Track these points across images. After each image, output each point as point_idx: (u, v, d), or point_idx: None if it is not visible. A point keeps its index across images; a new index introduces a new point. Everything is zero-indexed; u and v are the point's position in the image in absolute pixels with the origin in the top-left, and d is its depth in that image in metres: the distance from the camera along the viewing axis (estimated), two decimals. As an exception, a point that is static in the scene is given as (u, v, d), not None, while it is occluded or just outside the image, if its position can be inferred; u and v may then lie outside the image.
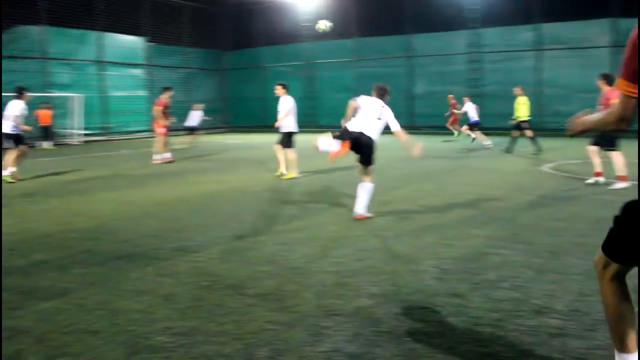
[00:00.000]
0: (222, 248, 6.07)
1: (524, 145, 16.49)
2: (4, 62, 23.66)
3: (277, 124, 11.88)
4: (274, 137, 12.73)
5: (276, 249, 5.98)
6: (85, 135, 25.74)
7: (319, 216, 7.70)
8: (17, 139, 11.99)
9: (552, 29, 24.77)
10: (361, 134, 7.35)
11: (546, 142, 18.82)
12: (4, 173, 11.78)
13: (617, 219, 2.48)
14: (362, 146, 7.40)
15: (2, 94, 22.08)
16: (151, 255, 5.82)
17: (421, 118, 28.03)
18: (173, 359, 3.42)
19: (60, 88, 25.64)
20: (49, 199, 9.71)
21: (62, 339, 3.73)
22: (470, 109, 19.88)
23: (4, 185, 11.45)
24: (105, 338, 3.74)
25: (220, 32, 34.87)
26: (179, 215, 8.04)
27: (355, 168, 10.25)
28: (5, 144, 11.84)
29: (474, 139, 19.58)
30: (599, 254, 2.62)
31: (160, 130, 15.66)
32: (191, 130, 21.93)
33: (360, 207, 7.47)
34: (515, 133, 16.56)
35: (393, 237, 6.40)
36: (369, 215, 7.49)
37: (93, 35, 27.23)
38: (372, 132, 7.46)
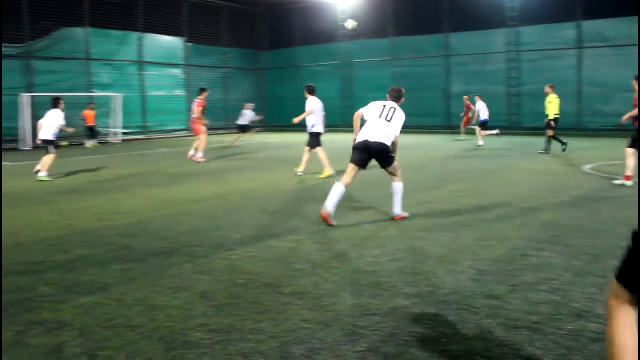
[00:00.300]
0: (258, 246, 6.12)
1: (555, 145, 16.13)
2: (50, 64, 24.37)
3: (295, 121, 12.49)
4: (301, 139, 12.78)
5: (312, 248, 5.99)
6: (125, 134, 26.25)
7: (355, 215, 7.69)
8: (55, 144, 12.94)
9: (594, 26, 24.15)
10: (366, 142, 7.20)
11: (587, 142, 18.44)
12: (41, 174, 12.43)
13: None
14: (373, 153, 7.26)
15: (46, 94, 22.84)
16: (188, 252, 5.90)
17: (458, 118, 27.70)
18: (210, 355, 3.46)
19: (101, 88, 26.23)
20: (89, 196, 9.92)
21: (102, 333, 3.82)
22: (483, 109, 20.01)
23: (45, 183, 11.77)
24: (144, 333, 3.81)
25: (258, 32, 35.12)
26: (215, 213, 8.13)
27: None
28: (46, 149, 12.86)
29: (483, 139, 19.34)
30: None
31: (202, 129, 15.88)
32: (243, 129, 22.53)
33: (397, 207, 7.43)
34: (550, 132, 16.04)
35: (430, 238, 6.35)
36: (405, 215, 7.46)
37: (134, 36, 27.76)
38: (381, 136, 7.22)
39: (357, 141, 7.33)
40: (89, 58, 25.81)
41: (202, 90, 16.24)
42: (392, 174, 7.44)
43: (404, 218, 7.39)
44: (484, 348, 3.49)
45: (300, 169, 12.26)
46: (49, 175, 12.47)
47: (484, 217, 7.50)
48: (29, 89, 23.20)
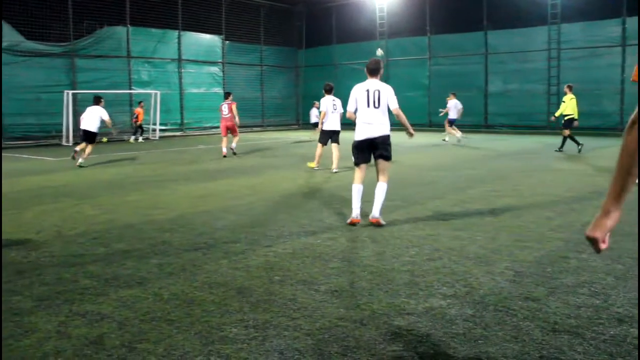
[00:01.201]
0: (294, 243, 6.14)
1: (596, 145, 15.77)
2: (93, 61, 24.91)
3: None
4: (343, 134, 12.80)
5: (347, 246, 5.99)
6: (163, 130, 26.67)
7: (391, 214, 7.64)
8: (95, 136, 14.62)
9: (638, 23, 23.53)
10: (367, 139, 7.04)
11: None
12: (80, 161, 14.18)
13: None
14: (376, 146, 7.07)
15: (88, 91, 23.43)
16: (225, 248, 5.96)
17: (495, 117, 27.36)
18: (246, 351, 3.48)
19: (141, 85, 26.70)
20: (129, 191, 10.11)
21: (141, 326, 3.88)
22: (453, 107, 20.65)
23: (87, 176, 12.04)
24: (181, 327, 3.85)
25: (295, 30, 35.25)
26: (252, 209, 8.19)
27: (436, 168, 10.11)
28: (87, 139, 14.47)
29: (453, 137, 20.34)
30: None
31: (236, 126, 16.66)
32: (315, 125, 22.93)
33: (377, 209, 7.02)
34: (565, 132, 16.23)
35: (467, 238, 6.28)
36: (382, 222, 7.00)
37: (173, 34, 28.15)
38: (379, 127, 7.05)
39: (356, 139, 7.13)
40: (130, 56, 26.29)
41: (228, 94, 17.49)
42: (383, 171, 7.15)
43: (381, 224, 6.94)
44: (522, 351, 3.43)
45: (314, 164, 13.00)
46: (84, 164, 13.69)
47: (521, 217, 7.38)
48: (72, 86, 23.77)
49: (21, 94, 22.46)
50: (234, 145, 16.86)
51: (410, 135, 7.62)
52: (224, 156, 16.30)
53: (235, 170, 13.19)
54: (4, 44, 22.00)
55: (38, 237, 6.63)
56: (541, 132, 24.57)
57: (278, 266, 5.27)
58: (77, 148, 14.42)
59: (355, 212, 7.04)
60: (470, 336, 3.65)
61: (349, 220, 7.06)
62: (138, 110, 24.25)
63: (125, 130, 25.76)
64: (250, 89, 32.32)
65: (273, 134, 28.26)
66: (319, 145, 12.97)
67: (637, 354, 3.37)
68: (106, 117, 14.56)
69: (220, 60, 30.76)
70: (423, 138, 23.46)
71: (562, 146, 16.31)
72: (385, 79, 28.98)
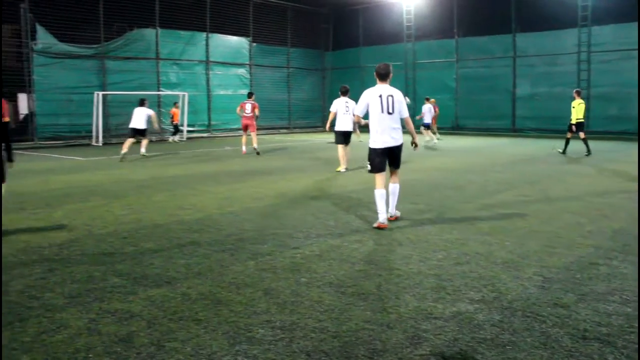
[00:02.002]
0: (321, 246, 6.15)
1: (628, 150, 15.47)
2: (123, 63, 25.29)
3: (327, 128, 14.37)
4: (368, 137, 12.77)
5: (374, 249, 5.98)
6: (191, 131, 26.93)
7: (418, 218, 7.61)
8: (145, 132, 17.07)
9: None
10: (386, 148, 7.16)
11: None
12: (142, 151, 17.04)
13: None
14: (392, 153, 7.25)
15: (117, 92, 23.82)
16: (252, 249, 5.99)
17: (523, 120, 27.04)
18: (273, 352, 3.50)
19: (169, 87, 27.01)
20: (157, 191, 10.23)
21: (169, 325, 3.93)
22: (427, 112, 21.17)
23: (116, 176, 12.21)
24: (208, 327, 3.89)
25: (322, 32, 35.31)
26: (279, 211, 8.22)
27: (459, 170, 10.06)
28: (138, 137, 16.96)
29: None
30: None
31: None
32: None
33: (393, 207, 7.39)
34: (569, 134, 16.90)
35: (495, 243, 6.22)
36: (398, 214, 7.47)
37: (201, 36, 28.41)
38: (395, 135, 7.19)
39: (373, 147, 7.19)
40: (158, 57, 26.61)
41: (253, 94, 18.47)
42: (395, 175, 7.38)
43: (398, 218, 7.41)
44: (551, 358, 3.39)
45: (341, 168, 13.17)
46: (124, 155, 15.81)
47: (551, 222, 7.28)
48: (102, 87, 24.15)
49: (54, 95, 22.91)
50: (255, 145, 17.59)
51: (415, 146, 7.70)
52: (244, 154, 17.49)
53: (261, 171, 13.25)
54: (38, 47, 22.49)
55: (69, 235, 6.75)
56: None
57: (305, 268, 5.28)
58: (125, 149, 16.15)
59: (382, 216, 7.05)
60: (498, 342, 3.62)
61: (375, 225, 7.07)
62: (174, 110, 24.63)
63: (154, 131, 26.08)
64: (277, 90, 32.46)
65: (299, 135, 28.31)
66: (339, 147, 13.22)
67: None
68: (152, 114, 17.08)
69: (247, 62, 30.96)
70: (450, 141, 23.31)
71: (588, 150, 16.53)
72: (412, 82, 28.97)
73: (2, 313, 4.16)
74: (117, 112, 25.14)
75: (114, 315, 4.13)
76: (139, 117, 16.73)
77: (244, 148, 17.80)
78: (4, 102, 6.87)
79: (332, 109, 13.41)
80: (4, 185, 6.82)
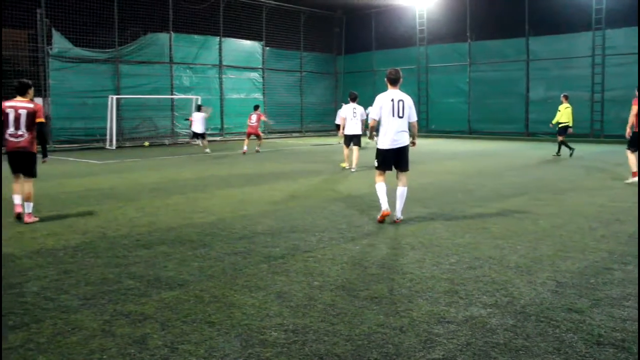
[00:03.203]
0: (334, 249, 6.16)
1: None
2: (136, 67, 25.49)
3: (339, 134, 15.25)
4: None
5: (387, 253, 5.97)
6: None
7: (430, 221, 7.60)
8: (205, 135, 20.76)
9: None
10: (392, 148, 7.49)
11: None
12: (206, 151, 20.26)
13: None
14: (398, 155, 7.55)
15: (131, 96, 24.01)
16: (265, 253, 6.01)
17: (537, 124, 26.86)
18: (286, 355, 3.51)
19: (182, 90, 27.15)
20: (170, 194, 10.28)
21: (182, 327, 3.95)
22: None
23: (130, 179, 12.29)
24: (221, 330, 3.91)
25: (334, 36, 35.36)
26: (291, 214, 8.23)
27: (467, 174, 10.01)
28: (200, 137, 20.90)
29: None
30: None
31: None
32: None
33: (399, 211, 7.56)
34: (560, 137, 17.64)
35: (508, 247, 6.19)
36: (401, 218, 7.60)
37: (214, 40, 28.56)
38: (403, 137, 7.52)
39: (380, 147, 7.56)
40: (172, 62, 26.78)
41: (258, 107, 20.77)
42: (403, 179, 7.59)
43: (401, 220, 7.55)
44: (566, 363, 3.37)
45: (345, 164, 14.44)
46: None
47: (564, 227, 7.24)
48: (116, 91, 24.35)
49: (69, 98, 23.13)
50: (258, 147, 20.55)
51: (413, 144, 7.90)
52: (244, 153, 19.61)
53: (274, 175, 13.29)
54: (54, 51, 22.74)
55: (84, 238, 6.81)
56: (585, 141, 24.04)
57: (317, 271, 5.29)
58: (200, 144, 20.98)
59: (384, 205, 7.51)
60: (512, 346, 3.60)
61: (379, 216, 7.53)
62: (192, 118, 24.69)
63: (166, 135, 26.27)
64: (290, 94, 32.54)
65: (312, 139, 28.33)
66: (344, 147, 14.55)
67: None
68: (207, 115, 20.94)
69: (260, 66, 31.07)
70: (463, 145, 23.24)
71: (558, 151, 17.69)
72: (424, 85, 29.05)
73: (2, 313, 4.22)
74: (131, 116, 25.38)
75: (127, 317, 4.16)
76: (198, 122, 20.31)
77: (245, 148, 19.99)
78: (39, 105, 7.79)
79: (342, 114, 14.71)
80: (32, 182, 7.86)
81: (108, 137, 23.21)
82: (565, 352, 3.52)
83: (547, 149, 18.31)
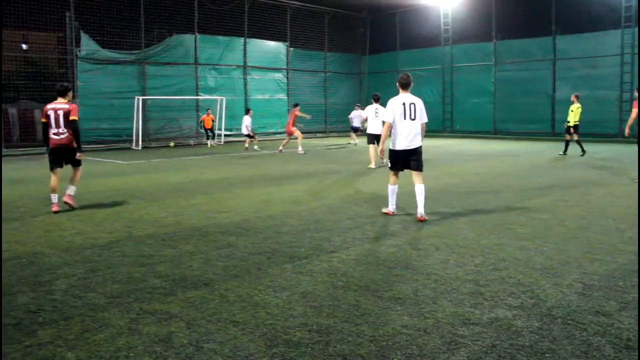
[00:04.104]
0: (358, 249, 6.15)
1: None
2: (162, 68, 25.77)
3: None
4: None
5: (411, 253, 5.95)
6: (228, 135, 27.25)
7: (454, 222, 7.55)
8: (252, 135, 21.80)
9: None
10: (406, 150, 7.77)
11: None
12: (255, 148, 21.91)
13: None
14: (412, 156, 7.82)
15: (157, 97, 24.27)
16: (289, 253, 6.03)
17: (563, 124, 26.43)
18: (310, 355, 3.52)
19: (207, 91, 27.39)
20: (195, 194, 10.37)
21: (207, 327, 3.98)
22: (356, 117, 23.98)
23: (155, 180, 12.42)
24: (246, 329, 3.93)
25: (359, 36, 35.32)
26: (315, 215, 8.25)
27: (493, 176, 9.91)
28: (250, 137, 21.76)
29: (356, 143, 23.92)
30: None
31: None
32: (355, 130, 24.97)
33: (422, 208, 7.74)
34: (568, 137, 18.20)
35: (533, 248, 6.12)
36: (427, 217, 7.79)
37: (238, 41, 28.74)
38: (416, 139, 7.80)
39: (394, 148, 7.87)
40: (197, 63, 27.02)
41: (296, 105, 21.42)
42: (418, 177, 7.82)
43: (426, 220, 7.70)
44: (593, 366, 3.32)
45: (372, 165, 14.87)
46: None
47: (591, 228, 7.13)
48: (142, 92, 24.65)
49: (96, 99, 23.48)
50: (281, 147, 20.88)
51: None
52: (302, 153, 19.96)
53: (298, 175, 13.32)
54: (82, 53, 23.11)
55: (110, 237, 6.91)
56: (612, 141, 23.68)
57: (341, 272, 5.29)
58: (247, 144, 21.95)
59: (392, 206, 8.12)
60: (537, 349, 3.56)
61: (384, 210, 8.21)
62: (204, 117, 24.91)
63: (191, 135, 26.52)
64: (314, 95, 32.61)
65: (336, 140, 28.32)
66: (370, 146, 15.19)
67: None
68: (247, 124, 21.72)
69: (284, 67, 31.19)
70: (488, 145, 23.03)
71: (582, 150, 17.93)
72: (449, 85, 28.90)
73: (2, 313, 4.32)
74: (156, 117, 25.66)
75: (153, 315, 4.21)
76: (246, 123, 21.61)
77: (300, 149, 20.44)
78: (74, 105, 8.76)
79: (364, 114, 16.22)
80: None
81: (134, 137, 23.50)
82: (593, 355, 3.47)
83: (574, 149, 18.06)
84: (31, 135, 22.91)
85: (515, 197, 9.77)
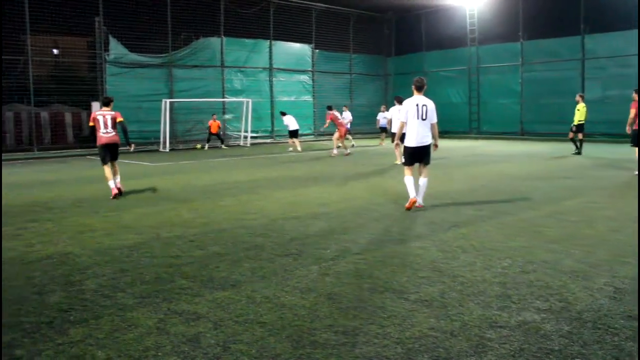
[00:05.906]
0: (384, 251, 6.14)
1: None
2: (189, 71, 26.04)
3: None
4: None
5: (438, 256, 5.92)
6: (255, 137, 27.39)
7: (481, 224, 7.49)
8: (295, 134, 22.49)
9: None
10: (418, 147, 8.63)
11: None
12: (297, 148, 22.27)
13: None
14: (422, 152, 8.69)
15: (184, 100, 24.50)
16: (316, 254, 6.05)
17: (593, 125, 26.03)
18: (336, 356, 3.52)
19: (233, 94, 27.59)
20: (222, 196, 10.45)
21: (234, 327, 4.02)
22: (382, 117, 24.47)
23: (183, 181, 12.55)
24: (272, 330, 3.96)
25: (384, 37, 35.23)
26: (342, 216, 8.25)
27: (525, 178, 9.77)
28: (294, 136, 22.53)
29: (352, 145, 23.90)
30: None
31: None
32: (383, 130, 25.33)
33: (421, 197, 8.80)
34: (571, 134, 18.98)
35: (562, 251, 6.04)
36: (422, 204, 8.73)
37: (264, 43, 28.90)
38: (426, 137, 8.67)
39: (408, 145, 8.73)
40: (223, 65, 27.24)
41: (330, 107, 20.82)
42: (424, 171, 8.78)
43: (423, 207, 8.69)
44: (624, 371, 3.27)
45: (398, 161, 15.57)
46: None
47: (621, 231, 7.01)
48: (169, 95, 24.93)
49: (125, 102, 23.68)
50: (337, 151, 20.65)
51: (435, 147, 9.09)
52: (346, 155, 19.84)
53: (324, 177, 13.34)
54: (110, 57, 23.49)
55: (139, 238, 7.00)
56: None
57: (368, 273, 5.29)
58: (291, 147, 22.64)
59: (412, 194, 8.66)
60: (567, 353, 3.52)
61: (407, 204, 8.62)
62: (211, 122, 24.61)
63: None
64: (340, 97, 32.56)
65: (362, 141, 28.28)
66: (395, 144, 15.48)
67: None
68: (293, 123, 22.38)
69: (310, 69, 31.27)
70: (515, 146, 22.78)
71: (579, 150, 18.62)
72: (475, 86, 28.59)
73: (2, 312, 4.40)
74: (183, 119, 25.89)
75: (181, 316, 4.26)
76: (291, 123, 22.17)
77: (346, 150, 20.45)
78: (117, 112, 10.85)
79: (389, 115, 17.50)
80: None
81: (162, 139, 23.77)
82: (624, 360, 3.42)
83: (603, 150, 17.77)
84: (61, 138, 23.32)
85: (543, 198, 9.65)
